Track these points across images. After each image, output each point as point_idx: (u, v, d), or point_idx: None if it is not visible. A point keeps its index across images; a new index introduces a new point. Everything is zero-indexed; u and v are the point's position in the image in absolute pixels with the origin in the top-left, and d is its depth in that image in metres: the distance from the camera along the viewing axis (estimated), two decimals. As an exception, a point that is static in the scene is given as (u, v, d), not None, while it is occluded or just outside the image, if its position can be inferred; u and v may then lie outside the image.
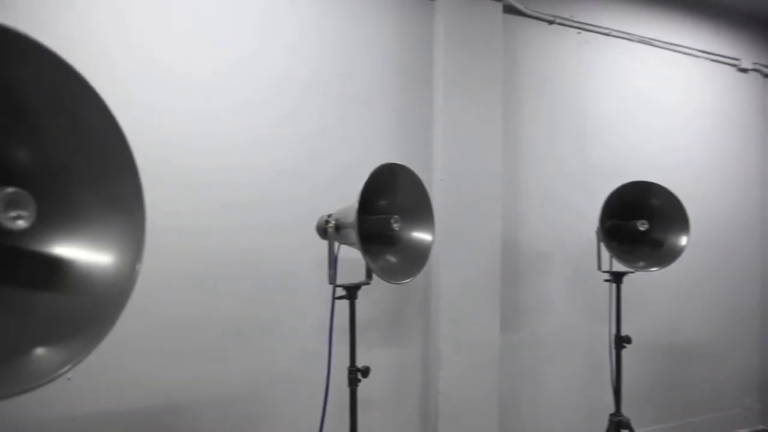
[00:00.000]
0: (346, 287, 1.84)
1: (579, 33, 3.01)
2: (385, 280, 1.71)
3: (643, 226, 2.29)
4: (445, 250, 2.46)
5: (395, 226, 1.69)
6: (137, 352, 1.97)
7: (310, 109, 2.36)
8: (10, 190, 0.63)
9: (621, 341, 2.47)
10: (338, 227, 1.75)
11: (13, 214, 0.63)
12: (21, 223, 0.64)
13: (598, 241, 2.41)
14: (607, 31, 3.07)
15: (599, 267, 2.47)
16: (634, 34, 3.15)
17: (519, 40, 2.85)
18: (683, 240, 2.32)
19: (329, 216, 1.80)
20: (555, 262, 2.95)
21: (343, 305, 1.88)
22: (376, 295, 2.32)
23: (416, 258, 1.83)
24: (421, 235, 1.85)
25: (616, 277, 2.45)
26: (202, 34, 2.15)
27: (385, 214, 1.75)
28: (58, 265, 0.81)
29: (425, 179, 1.90)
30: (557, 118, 2.97)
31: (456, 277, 2.50)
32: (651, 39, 3.20)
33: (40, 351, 0.72)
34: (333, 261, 1.74)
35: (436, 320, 2.52)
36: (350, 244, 1.75)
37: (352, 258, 1.93)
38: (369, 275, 1.87)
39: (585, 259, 2.75)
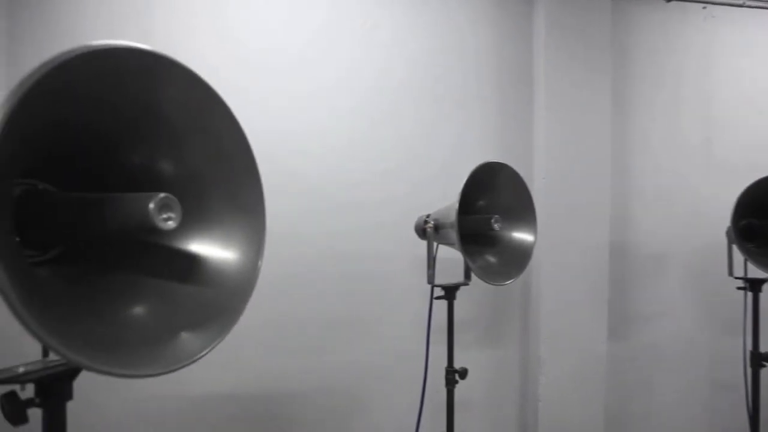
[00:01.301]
0: (445, 287, 1.84)
1: (704, 7, 2.68)
2: (485, 280, 1.68)
3: (787, 226, 1.99)
4: (547, 252, 2.35)
5: (496, 226, 1.65)
6: (250, 342, 2.15)
7: (406, 110, 2.39)
8: (163, 195, 0.72)
9: (760, 359, 2.16)
10: (437, 227, 1.76)
11: (164, 216, 0.73)
12: (171, 224, 0.73)
13: (730, 242, 2.13)
14: (740, 1, 2.68)
15: (731, 272, 2.19)
16: (776, 2, 2.72)
17: (630, 23, 2.62)
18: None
19: (428, 216, 1.81)
20: (671, 266, 2.67)
21: (439, 305, 1.88)
22: (473, 295, 2.29)
23: (517, 259, 1.78)
24: (523, 236, 1.80)
25: (754, 285, 2.15)
26: (305, 49, 2.29)
27: (485, 214, 1.72)
28: (196, 261, 0.91)
29: (525, 178, 1.84)
30: (677, 106, 2.68)
31: (558, 280, 2.38)
32: (796, 8, 2.77)
33: (184, 335, 0.83)
34: (432, 261, 1.75)
35: (536, 324, 2.42)
36: (449, 244, 1.75)
37: (449, 258, 1.93)
38: (467, 275, 1.85)
39: (709, 263, 2.46)
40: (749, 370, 2.19)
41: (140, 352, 0.78)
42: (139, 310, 0.84)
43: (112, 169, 0.89)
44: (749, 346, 2.19)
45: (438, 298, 1.86)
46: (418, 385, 1.95)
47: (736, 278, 2.18)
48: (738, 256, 2.07)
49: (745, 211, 2.06)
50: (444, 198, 1.82)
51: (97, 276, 0.87)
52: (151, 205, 0.71)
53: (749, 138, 2.74)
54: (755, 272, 2.07)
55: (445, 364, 1.90)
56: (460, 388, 1.90)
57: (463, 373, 1.87)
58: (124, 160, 0.89)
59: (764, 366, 2.16)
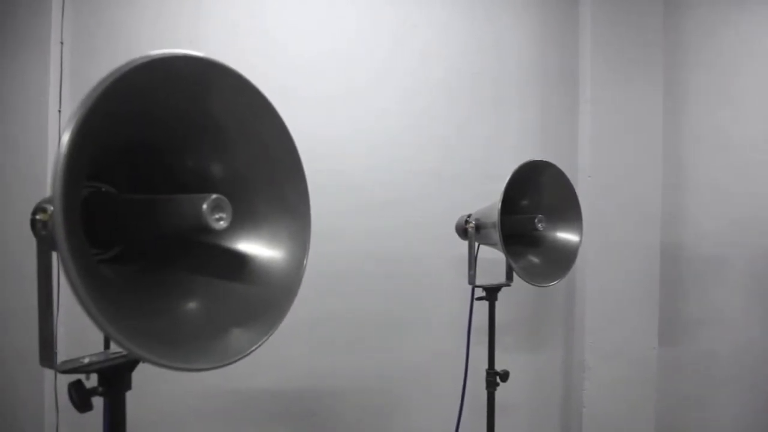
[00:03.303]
0: (486, 288, 1.81)
1: (766, -6, 2.52)
2: (527, 282, 1.65)
3: None
4: (593, 252, 2.28)
5: (540, 226, 1.62)
6: (291, 340, 2.19)
7: (443, 109, 2.38)
8: (215, 196, 0.75)
9: (827, 369, 2.01)
10: (478, 227, 1.74)
11: (216, 216, 0.76)
12: (222, 224, 0.76)
13: (794, 245, 1.99)
14: (807, -18, 2.50)
15: (795, 276, 2.05)
16: None
17: (683, 8, 2.48)
18: None
19: (469, 216, 1.79)
20: (730, 268, 2.52)
21: (479, 306, 1.86)
22: (515, 297, 2.25)
23: (561, 260, 1.73)
24: (567, 236, 1.75)
25: (821, 290, 2.00)
26: (343, 49, 2.31)
27: (528, 214, 1.69)
28: (244, 259, 0.95)
29: (570, 176, 1.79)
30: (736, 97, 2.53)
31: (605, 282, 2.30)
32: None
33: (234, 332, 0.86)
34: (473, 261, 1.74)
35: (581, 328, 2.35)
36: (491, 245, 1.73)
37: (490, 258, 1.90)
38: (509, 276, 1.82)
39: (772, 266, 2.31)
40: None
41: (193, 346, 0.82)
42: (192, 306, 0.88)
43: (166, 172, 0.93)
44: (818, 356, 2.04)
45: (479, 299, 1.84)
46: (458, 387, 1.93)
47: (803, 283, 2.04)
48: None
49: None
50: (483, 198, 1.79)
51: (153, 274, 0.91)
52: (205, 206, 0.74)
53: (817, 132, 2.55)
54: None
55: (485, 366, 1.87)
56: (501, 391, 1.87)
57: (504, 376, 1.84)
58: (177, 165, 0.93)
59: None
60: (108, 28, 2.18)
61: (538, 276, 1.72)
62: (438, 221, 2.22)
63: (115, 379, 0.85)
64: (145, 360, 0.69)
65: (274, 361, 2.15)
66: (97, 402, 0.84)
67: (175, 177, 0.94)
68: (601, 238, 2.27)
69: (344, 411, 2.31)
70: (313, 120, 2.27)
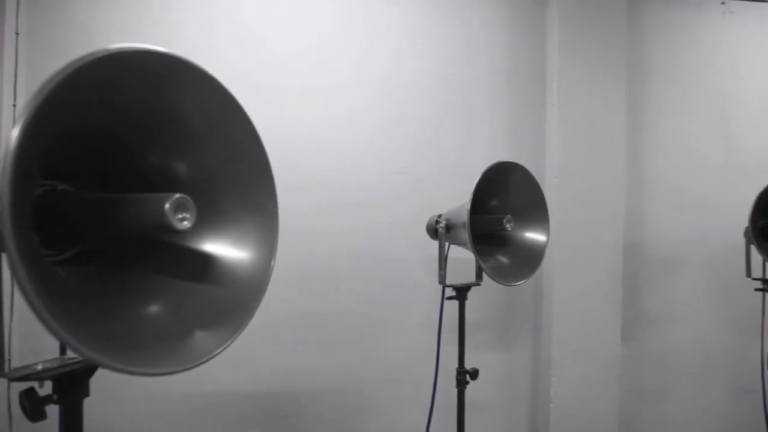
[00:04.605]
0: (456, 288, 1.83)
1: (722, 2, 2.63)
2: (496, 281, 1.67)
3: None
4: (560, 252, 2.33)
5: (508, 226, 1.64)
6: (263, 340, 2.16)
7: (416, 110, 2.39)
8: (178, 195, 0.73)
9: (777, 361, 2.12)
10: (449, 227, 1.75)
11: (179, 216, 0.73)
12: (186, 224, 0.74)
13: (748, 243, 2.10)
14: (759, -5, 2.63)
15: (749, 273, 2.15)
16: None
17: (646, 19, 2.58)
18: None
19: (439, 216, 1.81)
20: (687, 267, 2.63)
21: (451, 305, 1.88)
22: (484, 296, 2.28)
23: (529, 259, 1.77)
24: (535, 236, 1.78)
25: (772, 286, 2.12)
26: (316, 48, 2.30)
27: (497, 214, 1.71)
28: (209, 260, 0.92)
29: (537, 177, 1.83)
30: (693, 104, 2.64)
31: (571, 281, 2.36)
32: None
33: (199, 334, 0.83)
34: (443, 261, 1.75)
35: (548, 325, 2.40)
36: (461, 245, 1.74)
37: (461, 258, 1.92)
38: (479, 276, 1.84)
39: (728, 264, 2.42)
40: (767, 374, 2.15)
41: (156, 350, 0.80)
42: (154, 308, 0.85)
43: (128, 170, 0.90)
44: (767, 349, 2.15)
45: (449, 298, 1.85)
46: (430, 386, 1.95)
47: (754, 279, 2.15)
48: (756, 257, 2.03)
49: (763, 211, 2.02)
50: (455, 198, 1.81)
51: (113, 275, 0.88)
52: (167, 206, 0.72)
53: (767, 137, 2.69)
54: (775, 274, 2.04)
55: (456, 365, 1.89)
56: (471, 389, 1.89)
57: (474, 374, 1.87)
58: (140, 162, 0.90)
59: (783, 369, 2.13)
60: (68, 20, 2.09)
61: (506, 275, 1.75)
62: (411, 221, 2.23)
63: (71, 386, 0.81)
64: (103, 365, 0.67)
65: (247, 362, 2.11)
66: (54, 410, 0.81)
67: (140, 176, 0.91)
68: (567, 238, 2.33)
69: (316, 411, 2.29)
70: (288, 119, 2.24)
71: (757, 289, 2.14)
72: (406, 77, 2.38)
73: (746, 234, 2.09)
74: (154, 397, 2.12)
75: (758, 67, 2.69)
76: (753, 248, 2.05)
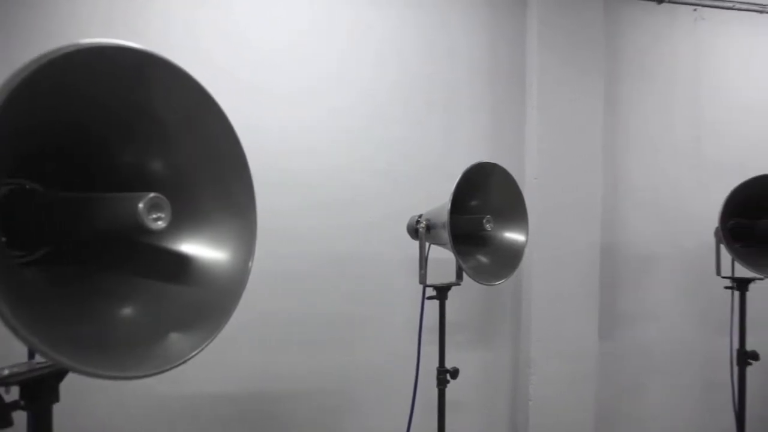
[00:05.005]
0: (437, 287, 1.84)
1: (695, 9, 2.71)
2: (476, 281, 1.69)
3: (774, 226, 2.02)
4: (539, 252, 2.36)
5: (488, 226, 1.66)
6: (242, 341, 2.14)
7: (397, 110, 2.40)
8: (152, 195, 0.72)
9: (746, 357, 2.19)
10: (429, 227, 1.76)
11: (154, 215, 0.72)
12: (160, 224, 0.73)
13: (718, 243, 2.16)
14: (729, 4, 2.70)
15: (718, 272, 2.22)
16: (766, 5, 2.73)
17: (622, 25, 2.64)
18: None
19: (420, 216, 1.81)
20: (662, 266, 2.70)
21: (432, 305, 1.89)
22: (465, 296, 2.30)
23: (509, 259, 1.79)
24: (514, 236, 1.80)
25: (741, 284, 2.18)
26: (297, 47, 2.28)
27: (477, 214, 1.73)
28: (185, 260, 0.91)
29: (517, 178, 1.85)
30: (667, 107, 2.71)
31: (549, 280, 2.39)
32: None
33: (174, 336, 0.82)
34: (424, 261, 1.76)
35: (527, 325, 2.43)
36: (441, 245, 1.75)
37: (441, 258, 1.93)
38: (459, 276, 1.86)
39: (699, 263, 2.49)
40: (736, 369, 2.22)
41: (129, 353, 0.78)
42: (128, 310, 0.83)
43: (102, 168, 0.88)
44: (736, 345, 2.22)
45: (430, 298, 1.86)
46: (411, 385, 1.95)
47: (724, 278, 2.21)
48: (726, 256, 2.10)
49: (733, 212, 2.08)
50: (436, 198, 1.82)
51: (85, 276, 0.86)
52: (141, 205, 0.71)
53: (738, 138, 2.77)
54: (742, 272, 2.10)
55: (436, 364, 1.90)
56: (452, 388, 1.90)
57: (455, 373, 1.88)
58: (114, 160, 0.88)
59: (750, 364, 2.20)
60: (42, 14, 2.03)
61: (486, 275, 1.76)
62: (391, 221, 2.23)
63: (39, 391, 0.79)
64: (73, 369, 0.65)
65: (226, 363, 2.09)
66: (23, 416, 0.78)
67: (114, 174, 0.89)
68: (545, 238, 2.37)
69: (297, 412, 2.28)
70: (268, 118, 2.22)
71: (726, 287, 2.21)
72: (388, 77, 2.38)
73: (716, 234, 2.15)
74: (129, 401, 2.07)
75: (729, 72, 2.78)
76: (723, 248, 2.11)
